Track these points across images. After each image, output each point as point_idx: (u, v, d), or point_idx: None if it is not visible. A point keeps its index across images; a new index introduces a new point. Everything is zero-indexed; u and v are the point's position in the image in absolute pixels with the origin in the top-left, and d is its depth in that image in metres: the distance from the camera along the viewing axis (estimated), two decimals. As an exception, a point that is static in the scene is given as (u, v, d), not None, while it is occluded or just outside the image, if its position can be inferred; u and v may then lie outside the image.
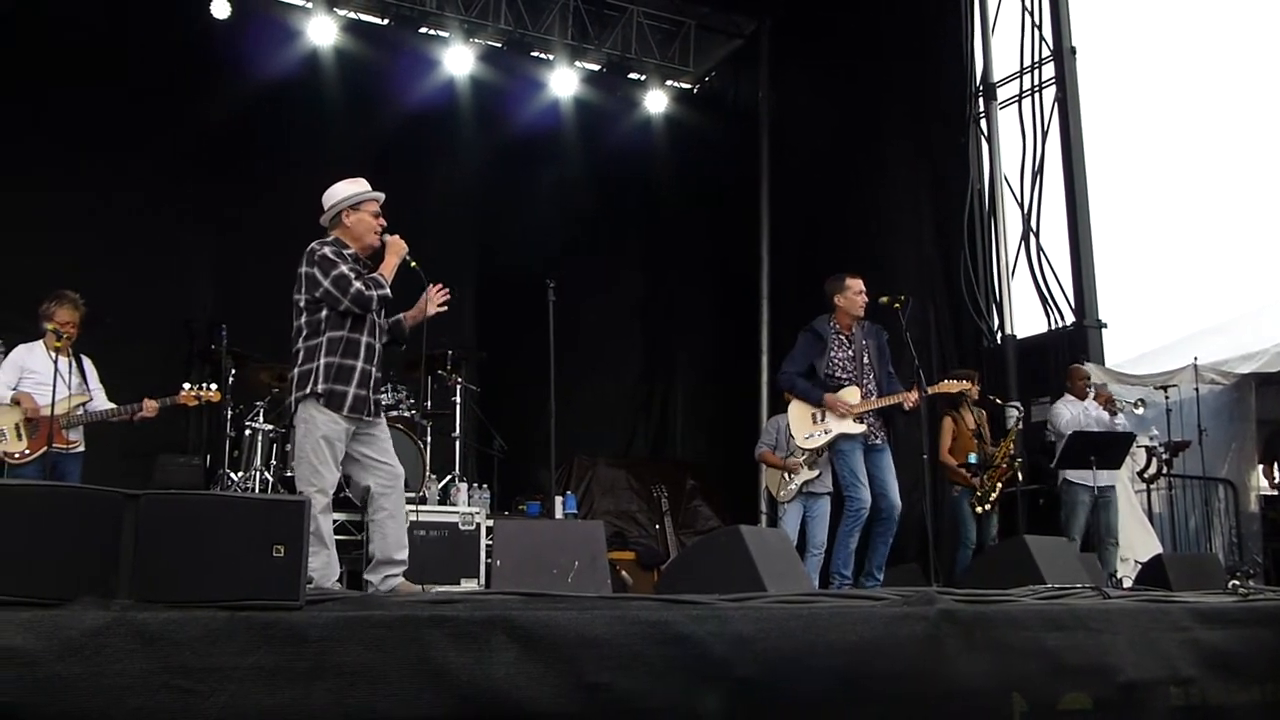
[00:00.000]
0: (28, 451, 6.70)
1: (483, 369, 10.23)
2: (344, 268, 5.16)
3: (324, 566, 5.01)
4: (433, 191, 10.38)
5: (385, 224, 5.36)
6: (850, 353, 7.17)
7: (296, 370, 5.24)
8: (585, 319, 11.09)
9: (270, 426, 8.40)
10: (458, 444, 8.84)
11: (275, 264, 9.61)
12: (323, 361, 5.15)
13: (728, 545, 4.54)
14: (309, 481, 5.09)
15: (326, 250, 5.22)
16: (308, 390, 5.12)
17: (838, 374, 7.12)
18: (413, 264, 5.34)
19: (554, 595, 3.60)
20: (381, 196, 5.42)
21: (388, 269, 5.29)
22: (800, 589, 4.50)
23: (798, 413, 7.22)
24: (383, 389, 5.57)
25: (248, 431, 8.38)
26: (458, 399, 8.68)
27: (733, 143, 12.62)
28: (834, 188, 11.18)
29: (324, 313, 5.21)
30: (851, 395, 7.06)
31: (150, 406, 7.00)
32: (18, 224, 9.13)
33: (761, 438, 8.28)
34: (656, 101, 12.28)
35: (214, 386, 7.26)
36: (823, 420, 7.08)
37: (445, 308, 5.54)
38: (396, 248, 5.33)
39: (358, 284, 5.14)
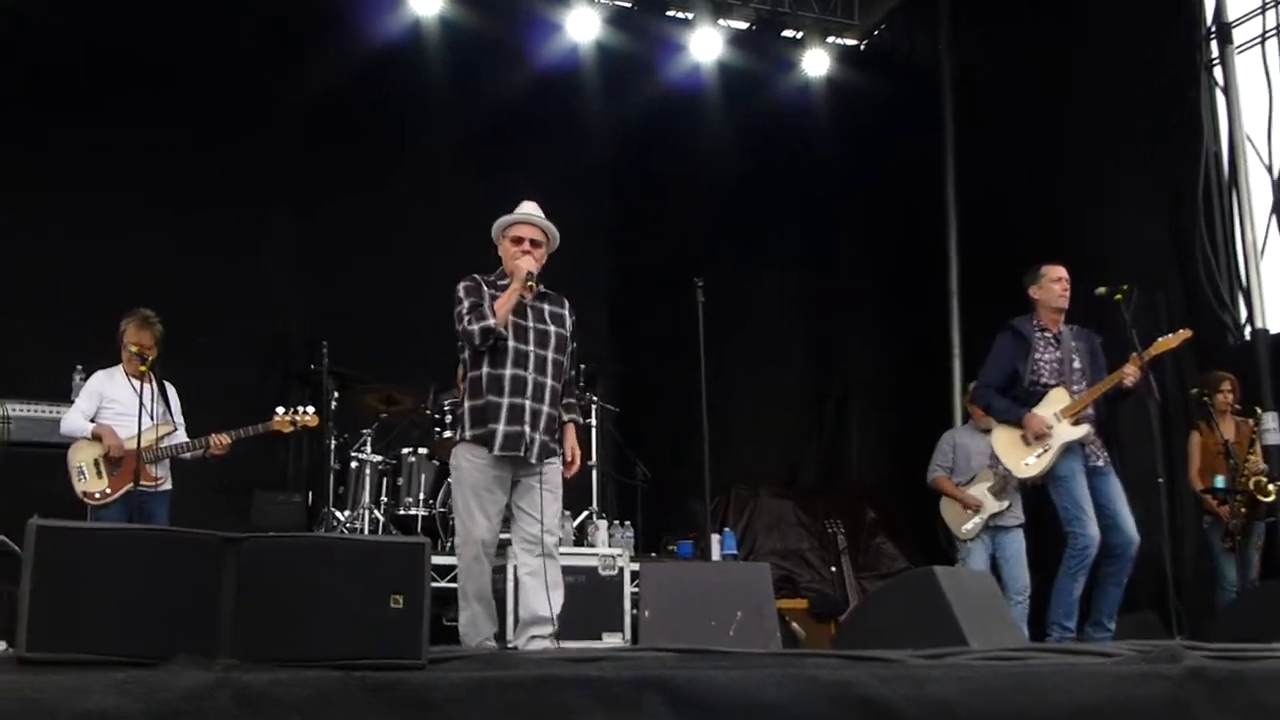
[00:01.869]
0: (109, 491, 6.96)
1: (621, 385, 10.33)
2: (465, 303, 5.67)
3: (469, 624, 5.39)
4: (556, 177, 10.35)
5: (527, 249, 5.77)
6: (1058, 354, 7.02)
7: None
8: (740, 321, 11.00)
9: (379, 458, 8.71)
10: (594, 474, 8.95)
11: (382, 269, 10.36)
12: (466, 406, 5.72)
13: (919, 590, 4.50)
14: (458, 532, 5.61)
15: (463, 283, 5.77)
16: (457, 436, 5.73)
17: (1044, 380, 6.97)
18: (531, 284, 5.68)
19: (714, 651, 3.61)
20: (522, 217, 5.85)
21: (504, 298, 5.66)
22: (1009, 642, 4.43)
23: (1005, 438, 7.02)
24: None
25: (354, 464, 8.73)
26: (593, 420, 8.80)
27: (909, 107, 12.31)
28: (1033, 157, 10.91)
29: (466, 352, 5.79)
30: (1058, 400, 6.87)
31: (219, 443, 7.21)
32: (90, 228, 9.37)
33: (933, 459, 8.14)
34: (816, 62, 12.08)
35: (310, 409, 7.50)
36: (1035, 439, 6.85)
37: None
38: (517, 273, 5.68)
39: (465, 318, 5.64)
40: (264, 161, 10.20)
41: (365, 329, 9.79)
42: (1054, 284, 7.04)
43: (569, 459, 5.80)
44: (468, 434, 5.63)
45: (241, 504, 8.80)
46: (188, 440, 7.23)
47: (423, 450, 8.75)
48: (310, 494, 9.13)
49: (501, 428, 5.53)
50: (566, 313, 5.91)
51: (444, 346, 7.91)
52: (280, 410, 7.44)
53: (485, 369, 5.63)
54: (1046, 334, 7.07)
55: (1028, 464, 6.89)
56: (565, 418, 5.85)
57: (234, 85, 9.94)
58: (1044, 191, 10.70)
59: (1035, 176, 10.87)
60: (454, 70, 10.62)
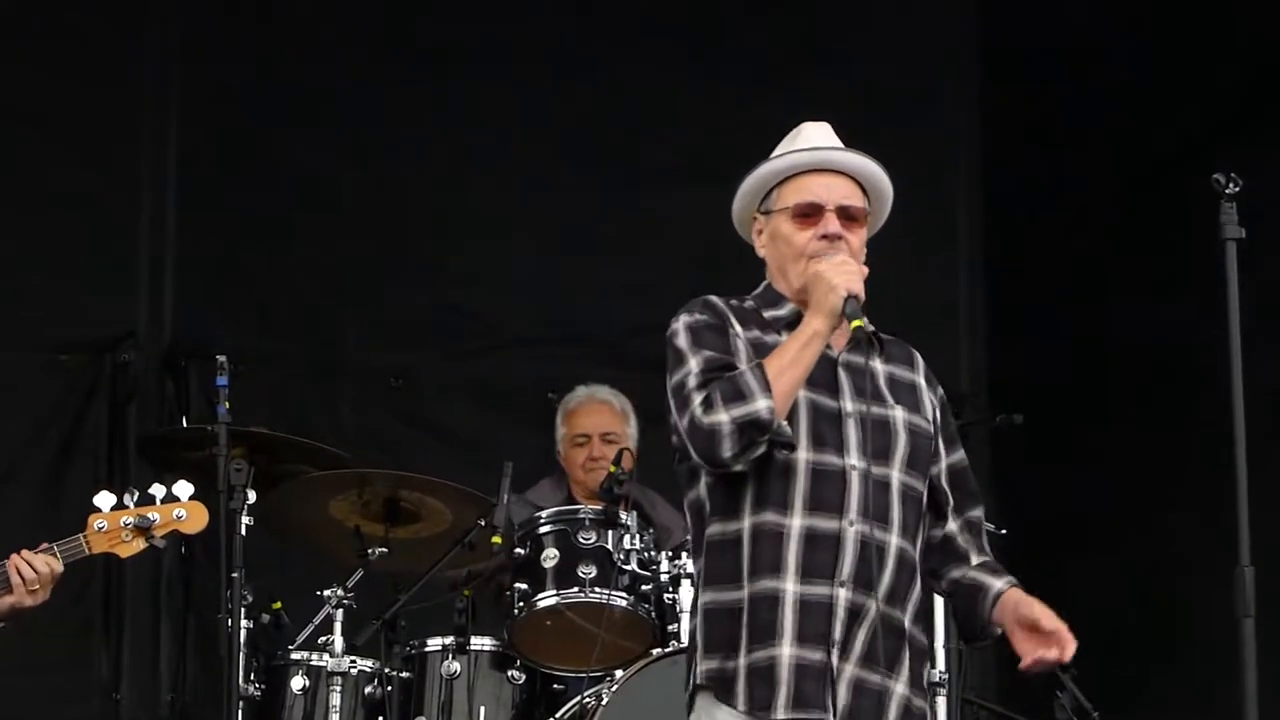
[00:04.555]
0: None
1: (1015, 464, 8.73)
2: (692, 364, 4.30)
3: None
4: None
5: (834, 230, 4.36)
6: None
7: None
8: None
9: (369, 664, 7.08)
10: (949, 682, 7.16)
11: (329, 210, 10.18)
12: (701, 605, 4.26)
13: None
14: None
15: (684, 316, 4.41)
16: (690, 674, 4.43)
17: None
18: (856, 322, 4.16)
19: None
20: (820, 158, 4.40)
21: (789, 350, 4.15)
22: None
23: None
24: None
25: (299, 681, 7.02)
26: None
27: None
28: None
29: (701, 480, 4.31)
30: None
31: (38, 571, 5.69)
32: None
33: None
34: None
35: (185, 490, 5.95)
36: None
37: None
38: (818, 290, 4.15)
39: (692, 399, 4.22)
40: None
41: (324, 330, 9.03)
42: None
43: (1053, 656, 4.06)
44: (701, 671, 4.12)
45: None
46: None
47: (482, 642, 6.85)
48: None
49: (789, 655, 3.94)
50: (920, 378, 4.32)
51: (527, 365, 7.98)
52: (105, 503, 5.68)
53: (747, 517, 4.08)
54: None
55: None
56: (998, 586, 4.05)
57: None
58: None
59: None
60: None
